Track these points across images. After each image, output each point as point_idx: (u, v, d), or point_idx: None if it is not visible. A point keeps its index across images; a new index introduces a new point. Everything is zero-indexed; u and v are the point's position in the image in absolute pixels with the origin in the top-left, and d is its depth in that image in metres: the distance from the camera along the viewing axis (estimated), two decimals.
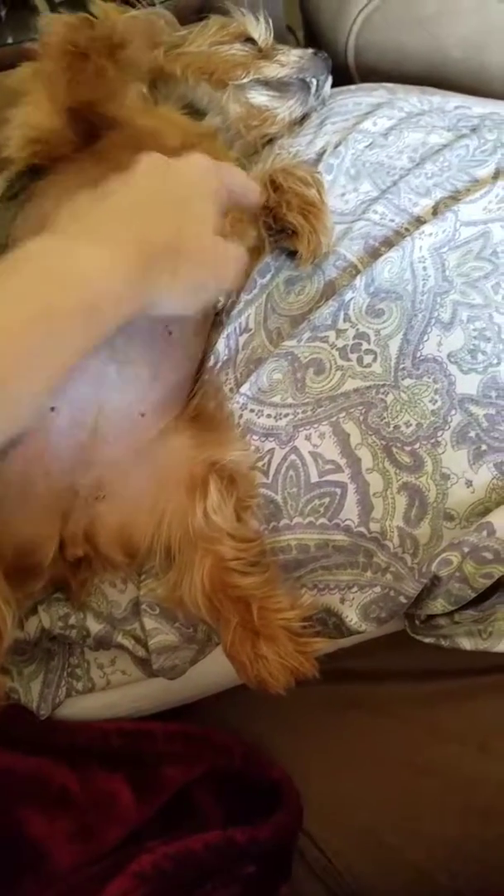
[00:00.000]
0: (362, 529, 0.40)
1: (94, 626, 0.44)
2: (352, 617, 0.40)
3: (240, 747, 0.45)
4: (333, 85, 0.57)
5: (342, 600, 0.41)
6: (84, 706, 0.47)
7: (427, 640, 0.42)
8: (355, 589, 0.41)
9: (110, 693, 0.46)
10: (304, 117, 0.55)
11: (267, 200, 0.45)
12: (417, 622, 0.41)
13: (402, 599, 0.39)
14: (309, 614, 0.40)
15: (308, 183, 0.46)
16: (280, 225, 0.46)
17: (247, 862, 0.40)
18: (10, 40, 0.80)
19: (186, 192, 0.35)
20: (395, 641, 0.45)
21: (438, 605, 0.39)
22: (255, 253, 0.48)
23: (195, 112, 0.52)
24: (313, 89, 0.56)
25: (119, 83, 0.45)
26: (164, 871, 0.37)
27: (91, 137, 0.46)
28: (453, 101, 0.54)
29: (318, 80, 0.56)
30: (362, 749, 0.46)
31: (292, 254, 0.46)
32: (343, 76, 0.65)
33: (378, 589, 0.40)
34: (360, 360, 0.42)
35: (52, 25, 0.45)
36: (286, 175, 0.46)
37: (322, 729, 0.48)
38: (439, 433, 0.40)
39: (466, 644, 0.40)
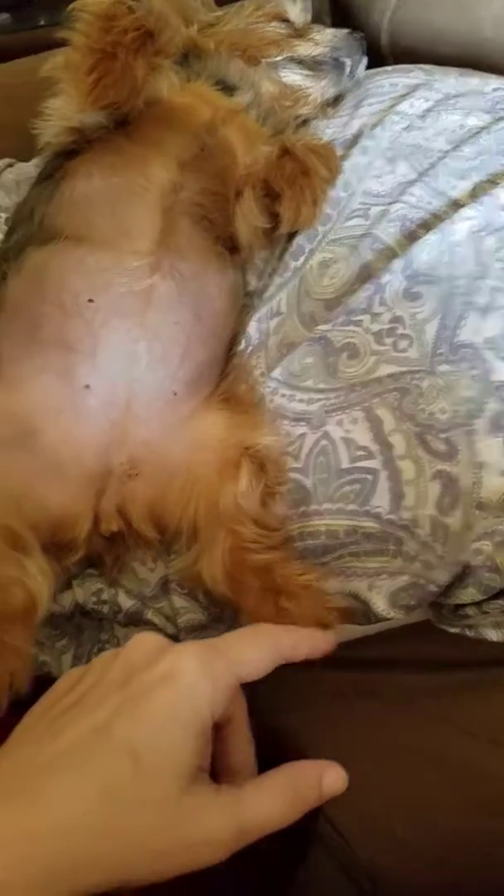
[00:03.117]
0: (393, 517, 0.38)
1: (126, 602, 0.42)
2: (379, 604, 0.38)
3: (254, 729, 0.43)
4: (367, 67, 0.54)
5: (370, 587, 0.39)
6: None
7: (452, 630, 0.39)
8: (384, 576, 0.38)
9: None
10: (337, 99, 0.52)
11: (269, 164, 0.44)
12: (444, 611, 0.39)
13: (433, 588, 0.37)
14: (326, 581, 0.38)
15: (317, 154, 0.44)
16: (269, 188, 0.44)
17: (262, 842, 0.38)
18: (42, 22, 0.77)
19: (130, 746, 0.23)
20: (411, 631, 0.42)
21: (468, 594, 0.37)
22: (268, 234, 0.46)
23: (226, 88, 0.49)
24: (347, 70, 0.52)
25: (149, 75, 0.41)
26: None
27: (125, 118, 0.43)
28: (492, 83, 0.50)
29: (352, 61, 0.52)
30: (374, 737, 0.44)
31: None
32: (376, 58, 0.61)
33: (407, 577, 0.38)
34: (395, 345, 0.39)
35: (84, 13, 0.40)
36: (298, 144, 0.44)
37: (335, 716, 0.46)
38: (475, 421, 0.37)
39: (492, 635, 0.38)
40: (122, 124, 0.43)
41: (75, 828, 0.23)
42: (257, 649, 0.27)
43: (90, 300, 0.39)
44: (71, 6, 0.42)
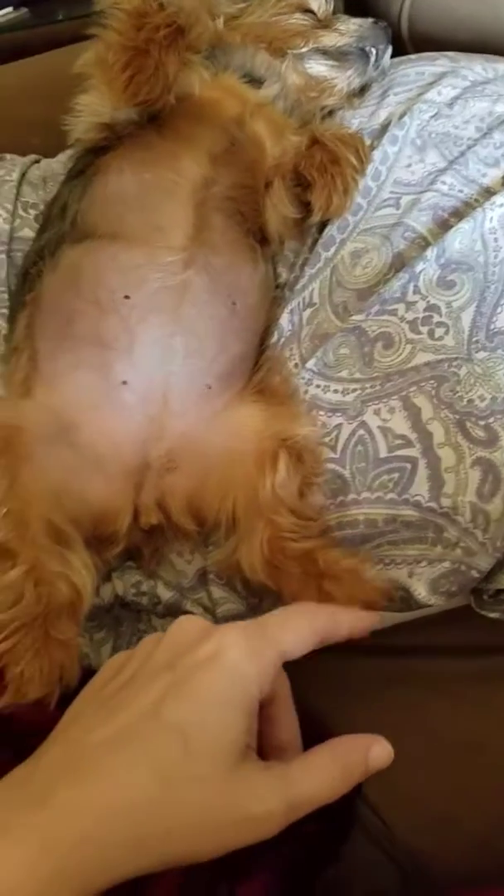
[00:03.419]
0: (433, 504, 0.38)
1: (165, 594, 0.42)
2: (420, 591, 0.38)
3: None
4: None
5: (410, 574, 0.39)
6: None
7: (493, 616, 0.39)
8: (424, 563, 0.38)
9: None
10: (363, 89, 0.52)
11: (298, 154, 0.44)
12: (485, 597, 0.39)
13: (474, 574, 0.37)
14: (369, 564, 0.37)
15: (346, 143, 0.44)
16: (300, 177, 0.44)
17: (309, 821, 0.39)
18: (60, 16, 0.76)
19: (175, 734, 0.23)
20: (448, 617, 0.42)
21: None
22: (298, 224, 0.46)
23: (253, 81, 0.48)
24: (372, 59, 0.52)
25: (181, 70, 0.41)
26: None
27: (155, 114, 0.43)
28: None
29: (377, 50, 0.52)
30: (411, 722, 0.44)
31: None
32: (396, 46, 0.60)
33: (447, 564, 0.38)
34: (431, 333, 0.39)
35: (116, 10, 0.40)
36: (327, 133, 0.44)
37: (373, 701, 0.46)
38: None
39: None
40: (153, 120, 0.43)
41: (129, 806, 0.23)
42: (299, 627, 0.27)
43: (126, 297, 0.39)
44: (100, 3, 0.42)
